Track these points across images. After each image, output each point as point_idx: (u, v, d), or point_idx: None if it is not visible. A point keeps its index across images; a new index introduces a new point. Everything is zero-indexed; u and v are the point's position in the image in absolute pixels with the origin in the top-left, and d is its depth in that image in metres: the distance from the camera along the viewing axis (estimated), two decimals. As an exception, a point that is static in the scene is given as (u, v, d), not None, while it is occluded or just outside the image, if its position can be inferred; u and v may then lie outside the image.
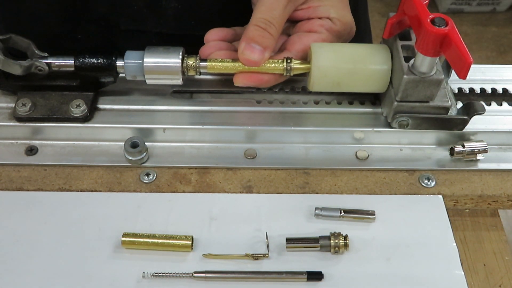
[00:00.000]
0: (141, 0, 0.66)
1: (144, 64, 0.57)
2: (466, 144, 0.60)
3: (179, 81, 0.59)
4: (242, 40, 0.56)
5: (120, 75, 0.61)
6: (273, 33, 0.56)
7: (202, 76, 0.65)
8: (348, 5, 0.63)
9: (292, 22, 0.62)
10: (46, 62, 0.58)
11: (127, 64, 0.58)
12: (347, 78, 0.58)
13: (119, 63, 0.58)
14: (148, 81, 0.59)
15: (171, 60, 0.57)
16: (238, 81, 0.59)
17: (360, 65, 0.57)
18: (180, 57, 0.57)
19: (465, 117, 0.59)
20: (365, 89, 0.60)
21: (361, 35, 0.82)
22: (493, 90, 0.65)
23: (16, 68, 0.57)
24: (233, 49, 0.60)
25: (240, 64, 0.57)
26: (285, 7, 0.57)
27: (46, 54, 0.59)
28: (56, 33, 0.71)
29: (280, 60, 0.58)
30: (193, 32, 0.62)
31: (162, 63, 0.57)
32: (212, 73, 0.63)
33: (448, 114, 0.59)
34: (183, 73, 0.58)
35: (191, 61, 0.58)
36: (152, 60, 0.57)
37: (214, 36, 0.60)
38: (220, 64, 0.58)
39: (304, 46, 0.59)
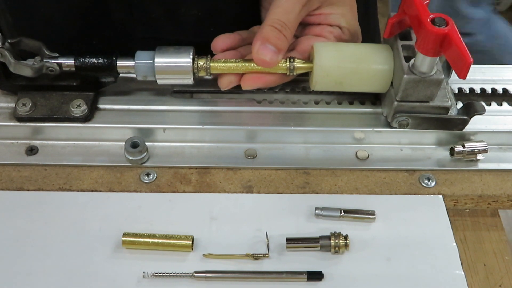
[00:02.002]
0: (159, 7, 0.66)
1: (155, 64, 0.57)
2: (466, 144, 0.60)
3: (190, 80, 0.59)
4: (257, 39, 0.56)
5: (121, 75, 0.61)
6: (287, 35, 0.56)
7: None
8: (357, 15, 0.63)
9: (302, 25, 0.62)
10: (56, 63, 0.58)
11: (138, 64, 0.58)
12: (349, 77, 0.58)
13: (126, 63, 0.58)
14: (159, 81, 0.59)
15: (182, 60, 0.57)
16: (246, 85, 0.59)
17: (362, 64, 0.57)
18: (191, 57, 0.57)
19: (465, 117, 0.59)
20: (367, 89, 0.60)
21: (370, 36, 0.82)
22: (493, 90, 0.65)
23: (27, 70, 0.58)
24: (239, 56, 0.60)
25: (248, 64, 0.58)
26: (300, 11, 0.57)
27: (56, 55, 0.59)
28: (71, 38, 0.70)
29: (283, 60, 0.58)
30: (211, 39, 0.61)
31: (173, 63, 0.57)
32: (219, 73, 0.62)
33: (448, 114, 0.59)
34: (193, 73, 0.58)
35: (201, 62, 0.58)
36: (163, 60, 0.57)
37: (221, 44, 0.60)
38: (225, 65, 0.58)
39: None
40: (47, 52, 0.58)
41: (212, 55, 0.60)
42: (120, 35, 0.69)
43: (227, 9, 0.68)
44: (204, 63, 0.58)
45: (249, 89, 0.60)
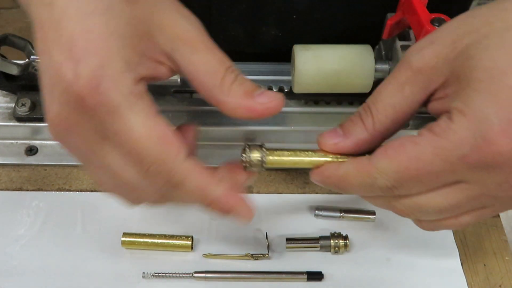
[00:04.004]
0: (239, 26, 0.63)
1: None
2: (466, 144, 0.60)
3: (177, 81, 0.59)
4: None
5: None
6: (365, 119, 0.41)
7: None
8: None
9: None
10: None
11: None
12: (330, 80, 0.58)
13: None
14: None
15: None
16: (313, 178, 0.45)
17: (343, 66, 0.57)
18: None
19: (465, 117, 0.59)
20: (349, 90, 0.60)
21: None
22: (493, 90, 0.65)
23: (13, 68, 0.57)
24: None
25: (310, 159, 0.43)
26: (400, 89, 0.39)
27: None
28: None
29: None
30: (288, 52, 0.59)
31: None
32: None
33: (448, 114, 0.59)
34: (244, 168, 0.44)
35: (255, 157, 0.44)
36: None
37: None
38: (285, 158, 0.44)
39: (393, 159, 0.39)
40: (33, 51, 0.58)
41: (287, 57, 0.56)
42: None
43: (309, 31, 0.64)
44: (258, 155, 0.44)
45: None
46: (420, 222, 0.44)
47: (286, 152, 0.44)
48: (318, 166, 0.43)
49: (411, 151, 0.37)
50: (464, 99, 0.36)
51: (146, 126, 0.37)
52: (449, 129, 0.36)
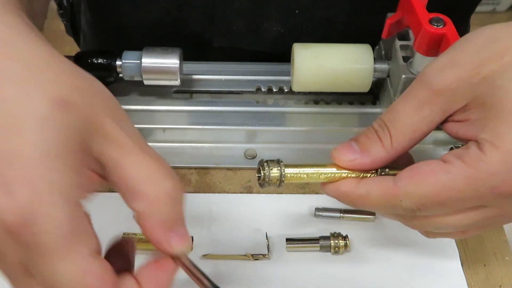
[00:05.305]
0: (241, 21, 0.64)
1: (142, 64, 0.57)
2: (466, 144, 0.60)
3: (176, 82, 0.59)
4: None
5: (120, 75, 0.61)
6: (383, 138, 0.41)
7: (202, 76, 0.65)
8: None
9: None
10: None
11: (125, 64, 0.58)
12: (329, 79, 0.58)
13: (118, 63, 0.58)
14: (145, 82, 0.59)
15: (169, 61, 0.57)
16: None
17: (342, 65, 0.58)
18: (178, 58, 0.57)
19: (465, 117, 0.59)
20: (347, 89, 0.60)
21: None
22: (493, 90, 0.65)
23: None
24: None
25: (327, 174, 0.43)
26: (419, 109, 0.39)
27: None
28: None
29: (374, 171, 0.43)
30: (289, 51, 0.59)
31: (160, 64, 0.57)
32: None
33: (448, 114, 0.59)
34: (261, 184, 0.44)
35: (274, 173, 0.43)
36: (150, 60, 0.57)
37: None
38: (301, 171, 0.44)
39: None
40: None
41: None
42: (196, 44, 0.67)
43: (311, 28, 0.65)
44: (277, 172, 0.43)
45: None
46: (427, 233, 0.45)
47: (303, 168, 0.43)
48: (333, 180, 0.43)
49: (442, 179, 0.38)
50: (494, 130, 0.37)
51: (75, 278, 0.32)
52: (481, 160, 0.36)
